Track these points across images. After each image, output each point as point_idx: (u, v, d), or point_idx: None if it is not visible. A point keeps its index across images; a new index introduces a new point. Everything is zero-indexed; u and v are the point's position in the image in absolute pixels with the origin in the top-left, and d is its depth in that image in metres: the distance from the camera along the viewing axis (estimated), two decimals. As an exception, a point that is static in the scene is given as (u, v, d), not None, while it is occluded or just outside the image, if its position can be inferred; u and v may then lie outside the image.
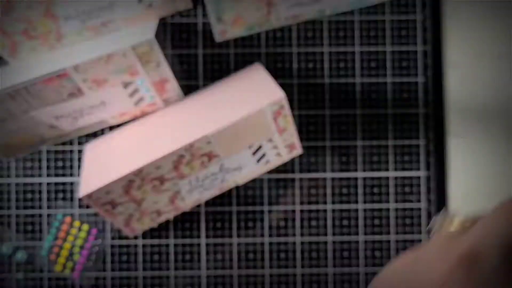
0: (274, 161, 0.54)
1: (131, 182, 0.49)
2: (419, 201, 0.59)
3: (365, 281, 0.58)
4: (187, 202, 0.54)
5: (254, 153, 0.52)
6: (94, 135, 0.58)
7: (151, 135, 0.53)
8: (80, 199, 0.58)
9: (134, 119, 0.58)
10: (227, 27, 0.56)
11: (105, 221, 0.58)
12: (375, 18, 0.58)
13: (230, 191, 0.58)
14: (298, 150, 0.55)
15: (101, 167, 0.52)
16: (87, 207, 0.58)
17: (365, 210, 0.58)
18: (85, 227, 0.58)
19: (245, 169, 0.54)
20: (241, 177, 0.54)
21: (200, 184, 0.52)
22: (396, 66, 0.58)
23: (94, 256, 0.58)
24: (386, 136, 0.58)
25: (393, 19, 0.58)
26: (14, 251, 0.57)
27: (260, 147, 0.52)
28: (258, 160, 0.53)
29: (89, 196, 0.48)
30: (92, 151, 0.56)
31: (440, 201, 0.59)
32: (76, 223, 0.58)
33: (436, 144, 0.59)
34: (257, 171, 0.55)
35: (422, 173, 0.59)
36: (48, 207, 0.58)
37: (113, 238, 0.58)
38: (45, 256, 0.58)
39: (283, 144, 0.53)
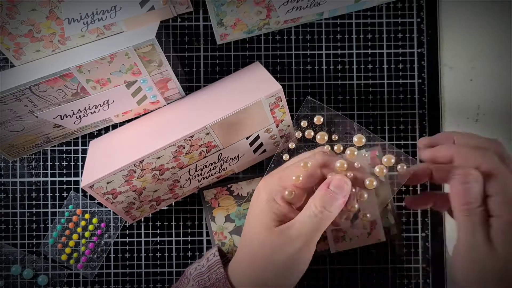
0: (271, 150, 0.55)
1: (131, 172, 0.49)
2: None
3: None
4: (186, 190, 0.55)
5: (251, 143, 0.53)
6: (98, 133, 0.59)
7: (153, 129, 0.54)
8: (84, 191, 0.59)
9: (137, 117, 0.58)
10: (228, 30, 0.57)
11: (113, 217, 0.59)
12: (372, 21, 0.59)
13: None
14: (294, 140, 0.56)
15: (103, 159, 0.52)
16: (94, 204, 0.59)
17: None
18: (94, 220, 0.58)
19: (243, 158, 0.54)
20: (238, 166, 0.55)
21: (198, 173, 0.53)
22: (392, 67, 0.59)
23: (100, 250, 0.58)
24: (383, 136, 0.59)
25: (390, 21, 0.59)
26: (35, 276, 0.58)
27: (257, 138, 0.53)
28: (255, 150, 0.54)
29: (91, 186, 0.49)
30: (96, 146, 0.57)
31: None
32: (86, 216, 0.59)
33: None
34: (254, 159, 0.56)
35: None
36: (53, 206, 0.59)
37: (118, 236, 0.59)
38: (52, 244, 0.58)
39: (280, 135, 0.54)
